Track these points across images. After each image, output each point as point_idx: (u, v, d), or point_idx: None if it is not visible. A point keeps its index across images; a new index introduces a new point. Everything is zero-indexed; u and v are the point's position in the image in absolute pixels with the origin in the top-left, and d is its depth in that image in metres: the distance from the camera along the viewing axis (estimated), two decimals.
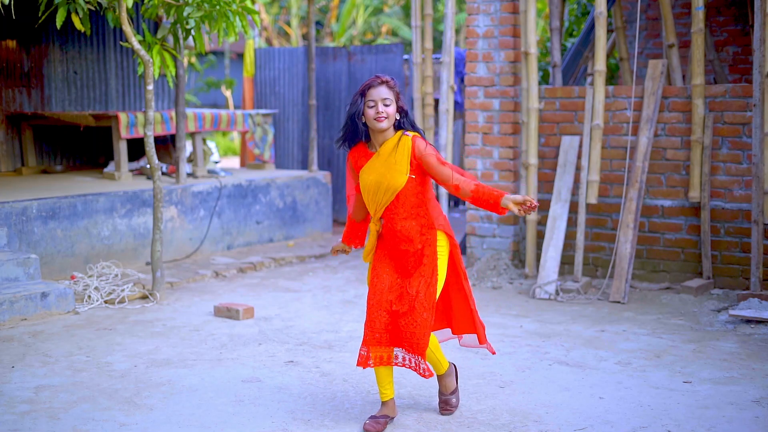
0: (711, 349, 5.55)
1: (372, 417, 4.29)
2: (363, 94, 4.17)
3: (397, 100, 4.18)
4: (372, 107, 4.14)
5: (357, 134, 4.25)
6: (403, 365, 4.25)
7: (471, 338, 4.52)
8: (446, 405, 4.48)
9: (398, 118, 4.21)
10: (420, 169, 4.21)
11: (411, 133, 4.21)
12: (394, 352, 4.24)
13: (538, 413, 4.46)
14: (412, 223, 4.24)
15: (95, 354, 5.48)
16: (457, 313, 4.47)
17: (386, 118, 4.15)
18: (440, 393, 4.51)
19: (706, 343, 5.69)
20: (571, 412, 4.47)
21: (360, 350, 4.26)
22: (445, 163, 4.20)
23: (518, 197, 4.05)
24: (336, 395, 4.74)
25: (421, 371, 4.20)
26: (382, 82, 4.16)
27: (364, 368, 4.24)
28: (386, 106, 4.14)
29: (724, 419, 4.35)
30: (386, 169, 4.18)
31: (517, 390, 4.81)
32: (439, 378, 4.49)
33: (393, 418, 4.33)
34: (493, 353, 4.57)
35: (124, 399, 4.66)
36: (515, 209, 4.03)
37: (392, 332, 4.24)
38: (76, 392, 4.76)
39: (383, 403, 4.34)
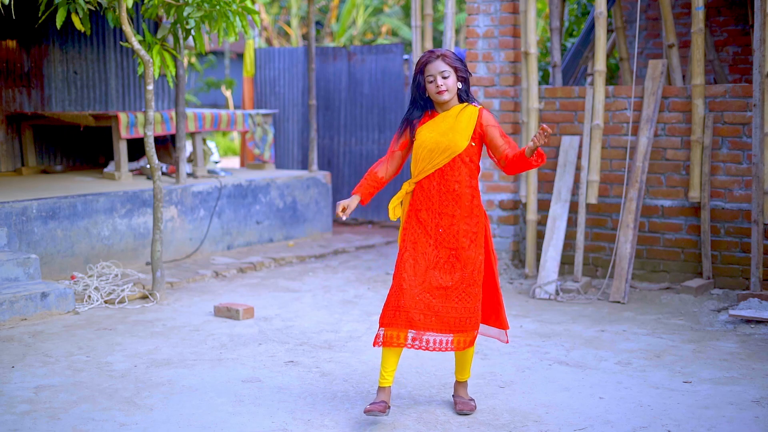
0: (711, 349, 5.55)
1: (371, 403, 4.29)
2: (421, 71, 4.27)
3: (456, 71, 4.27)
4: (431, 82, 4.24)
5: (425, 108, 4.34)
6: (431, 348, 4.25)
7: (492, 330, 4.51)
8: (466, 405, 4.46)
9: (460, 87, 4.30)
10: (480, 139, 4.30)
11: (478, 105, 4.31)
12: (423, 336, 4.24)
13: (538, 413, 4.46)
14: (463, 189, 4.28)
15: (95, 354, 5.48)
16: (485, 302, 4.46)
17: (447, 90, 4.24)
18: (459, 396, 4.51)
19: (706, 343, 5.69)
20: (571, 412, 4.47)
21: (379, 331, 4.24)
22: (505, 136, 4.31)
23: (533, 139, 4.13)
24: (336, 395, 4.74)
25: (451, 346, 4.24)
26: (438, 56, 4.26)
27: (376, 345, 4.24)
28: (445, 78, 4.23)
29: (724, 419, 4.35)
30: (449, 130, 4.25)
31: (517, 390, 4.81)
32: (462, 384, 4.51)
33: (388, 407, 4.30)
34: (506, 342, 4.53)
35: (124, 399, 4.66)
36: (534, 143, 4.10)
37: (436, 314, 4.22)
38: (76, 392, 4.76)
39: (381, 389, 4.32)
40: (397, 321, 4.23)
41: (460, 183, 4.28)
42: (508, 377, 5.03)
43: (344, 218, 4.29)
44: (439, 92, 4.24)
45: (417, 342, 4.25)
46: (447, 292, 4.26)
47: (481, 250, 4.32)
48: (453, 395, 4.58)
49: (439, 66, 4.25)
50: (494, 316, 4.50)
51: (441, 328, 4.26)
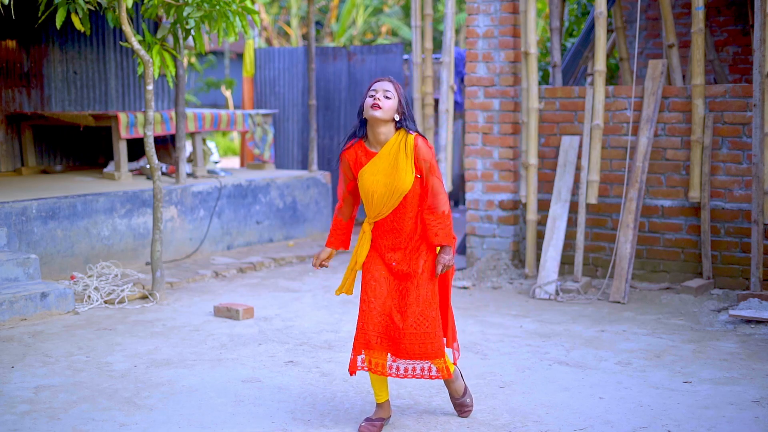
0: (711, 349, 5.55)
1: (368, 419, 4.27)
2: (369, 88, 4.16)
3: (399, 98, 4.12)
4: (371, 96, 4.10)
5: (354, 135, 4.21)
6: (409, 376, 4.22)
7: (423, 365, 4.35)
8: (463, 407, 4.44)
9: (397, 118, 4.13)
10: (418, 170, 4.15)
11: (414, 132, 4.15)
12: (396, 364, 4.22)
13: (538, 413, 4.45)
14: (412, 224, 4.20)
15: (95, 354, 5.48)
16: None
17: (381, 108, 4.06)
18: (452, 398, 4.45)
19: (706, 343, 5.69)
20: (571, 412, 4.47)
21: (353, 355, 4.19)
22: (432, 174, 4.15)
23: (442, 262, 4.17)
24: (336, 395, 4.74)
25: (435, 375, 4.20)
26: (390, 81, 4.15)
27: (352, 374, 4.20)
28: (386, 98, 4.08)
29: (724, 419, 4.35)
30: (392, 170, 4.11)
31: (517, 390, 4.81)
32: (448, 383, 4.41)
33: (388, 419, 4.32)
34: (447, 377, 4.29)
35: (124, 399, 4.66)
36: (438, 268, 4.18)
37: (393, 340, 4.19)
38: (76, 392, 4.76)
39: (379, 405, 4.32)
40: (359, 344, 4.19)
41: (413, 219, 4.19)
42: (508, 377, 5.03)
43: (318, 269, 4.24)
44: (374, 105, 4.06)
45: (394, 371, 4.23)
46: (405, 317, 4.18)
47: (434, 275, 4.23)
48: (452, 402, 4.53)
49: (386, 86, 4.11)
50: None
51: (402, 354, 4.19)
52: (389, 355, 4.23)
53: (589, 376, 5.05)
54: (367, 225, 4.25)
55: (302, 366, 5.26)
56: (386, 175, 4.11)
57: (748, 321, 6.12)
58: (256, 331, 6.06)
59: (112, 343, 5.74)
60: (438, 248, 4.24)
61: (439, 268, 4.18)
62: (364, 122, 4.18)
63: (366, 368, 4.18)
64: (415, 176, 4.13)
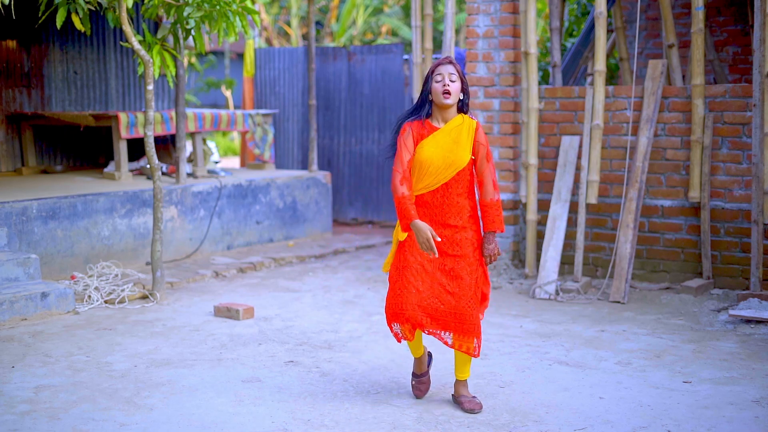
0: (711, 349, 5.55)
1: (415, 376, 4.64)
2: (432, 72, 4.37)
3: (462, 80, 4.36)
4: (439, 81, 4.33)
5: (421, 110, 4.41)
6: (454, 347, 4.41)
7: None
8: (473, 403, 4.50)
9: (461, 98, 4.39)
10: (474, 151, 4.41)
11: (475, 119, 4.43)
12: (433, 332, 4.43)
13: (538, 413, 4.46)
14: (464, 202, 4.40)
15: (95, 354, 5.48)
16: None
17: (451, 93, 4.31)
18: (462, 395, 4.55)
19: (706, 343, 5.69)
20: (571, 412, 4.47)
21: (389, 325, 4.44)
22: (488, 160, 4.43)
23: (488, 252, 4.42)
24: (336, 395, 4.74)
25: (477, 352, 4.39)
26: (450, 62, 4.38)
27: (399, 341, 4.48)
28: (452, 81, 4.32)
29: (724, 419, 4.35)
30: (454, 145, 4.34)
31: (517, 390, 4.81)
32: (459, 384, 4.56)
33: (430, 361, 4.72)
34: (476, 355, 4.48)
35: (124, 399, 4.66)
36: (486, 258, 4.45)
37: (440, 319, 4.38)
38: (76, 392, 4.76)
39: (418, 359, 4.62)
40: (405, 320, 4.39)
41: (460, 195, 4.39)
42: (508, 377, 5.03)
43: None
44: (445, 91, 4.31)
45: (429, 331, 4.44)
46: (452, 297, 4.37)
47: (479, 258, 4.45)
48: (454, 395, 4.59)
49: (449, 69, 4.35)
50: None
51: (445, 327, 4.40)
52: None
53: (589, 376, 5.05)
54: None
55: (302, 366, 5.26)
56: (446, 148, 4.33)
57: (748, 321, 6.12)
58: (256, 331, 6.07)
59: (112, 343, 5.74)
60: (483, 233, 4.47)
61: (487, 259, 4.44)
62: (428, 103, 4.40)
63: (405, 338, 4.42)
64: (471, 158, 4.37)
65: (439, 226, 4.39)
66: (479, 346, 4.41)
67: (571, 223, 7.55)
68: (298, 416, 4.43)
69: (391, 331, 4.48)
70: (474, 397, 4.54)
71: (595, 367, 5.22)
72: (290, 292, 7.34)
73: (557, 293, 7.06)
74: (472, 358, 4.67)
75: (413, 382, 4.68)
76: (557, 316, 6.44)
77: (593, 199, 7.31)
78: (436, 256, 4.32)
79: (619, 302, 6.83)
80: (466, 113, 4.44)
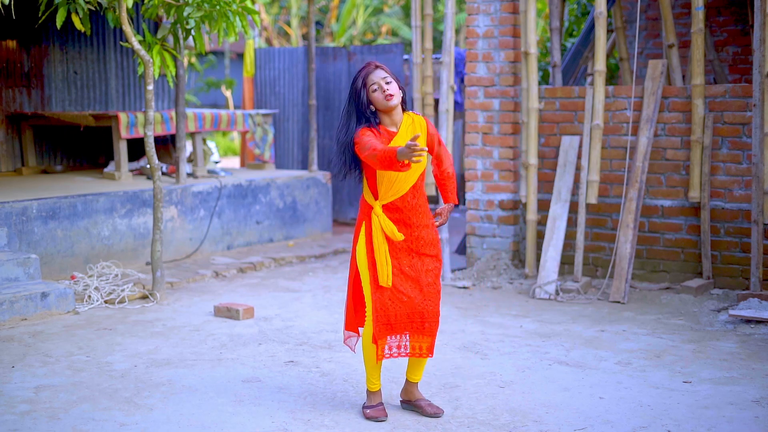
0: (711, 349, 5.55)
1: (370, 407, 4.41)
2: (364, 84, 4.24)
3: (395, 79, 4.28)
4: (376, 90, 4.22)
5: (369, 123, 4.26)
6: (402, 354, 4.35)
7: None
8: (431, 406, 4.45)
9: (402, 95, 4.31)
10: (431, 145, 4.41)
11: (417, 112, 4.36)
12: (394, 341, 4.34)
13: (538, 413, 4.46)
14: (425, 199, 4.42)
15: (95, 354, 5.48)
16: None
17: (393, 94, 4.23)
18: (417, 399, 4.49)
19: (706, 343, 5.69)
20: (571, 412, 4.47)
21: (377, 343, 4.30)
22: (441, 144, 4.48)
23: (445, 213, 4.51)
24: (336, 395, 4.74)
25: (425, 352, 4.34)
26: (376, 67, 4.27)
27: (379, 360, 4.34)
28: (388, 84, 4.23)
29: (724, 419, 4.35)
30: None
31: (517, 390, 4.81)
32: (413, 386, 4.50)
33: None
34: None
35: (124, 399, 4.66)
36: (439, 220, 4.50)
37: (415, 322, 4.33)
38: (76, 392, 4.76)
39: (372, 393, 4.45)
40: (384, 333, 4.30)
41: (424, 194, 4.42)
42: (508, 377, 5.03)
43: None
44: (388, 97, 4.21)
45: (392, 351, 4.37)
46: (422, 295, 4.32)
47: (440, 254, 4.45)
48: (409, 400, 4.50)
49: (380, 74, 4.25)
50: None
51: (426, 332, 4.33)
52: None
53: (589, 376, 5.05)
54: (378, 208, 4.30)
55: (302, 366, 5.26)
56: None
57: (748, 321, 6.12)
58: (256, 331, 6.07)
59: (112, 343, 5.74)
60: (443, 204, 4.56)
61: (442, 220, 4.49)
62: (372, 114, 4.27)
63: (390, 356, 4.33)
64: (428, 154, 4.37)
65: (412, 228, 4.33)
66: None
67: (571, 223, 7.55)
68: (298, 416, 4.43)
69: (378, 349, 4.32)
70: (426, 398, 4.53)
71: (595, 367, 5.22)
72: (290, 292, 7.34)
73: (557, 293, 7.06)
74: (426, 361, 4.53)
75: (369, 411, 4.42)
76: (557, 316, 6.44)
77: (593, 199, 7.31)
78: (425, 155, 4.06)
79: (619, 302, 6.83)
80: (407, 110, 4.36)
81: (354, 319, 4.51)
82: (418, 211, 4.34)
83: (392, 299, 4.29)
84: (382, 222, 4.28)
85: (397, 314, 4.29)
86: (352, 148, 4.27)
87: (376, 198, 4.32)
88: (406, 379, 4.51)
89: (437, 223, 4.47)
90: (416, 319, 4.31)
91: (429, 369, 5.12)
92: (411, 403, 4.50)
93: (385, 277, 4.27)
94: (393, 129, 4.31)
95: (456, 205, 4.50)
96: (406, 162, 3.99)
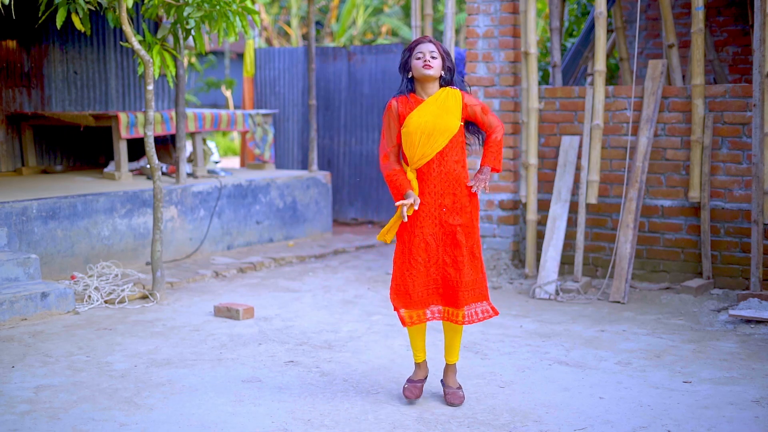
0: (711, 349, 5.55)
1: (410, 381, 4.60)
2: (411, 50, 4.44)
3: (443, 58, 4.43)
4: (419, 59, 4.40)
5: (404, 91, 4.48)
6: (468, 322, 4.45)
7: (479, 308, 4.54)
8: (455, 396, 4.57)
9: (443, 74, 4.44)
10: (465, 116, 4.47)
11: (458, 88, 4.48)
12: (434, 308, 4.47)
13: (538, 413, 4.46)
14: (460, 170, 4.46)
15: (95, 354, 5.48)
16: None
17: (432, 67, 4.37)
18: (448, 385, 4.62)
19: (706, 343, 5.69)
20: (571, 412, 4.47)
21: (396, 310, 4.44)
22: (486, 113, 4.49)
23: (480, 180, 4.46)
24: (336, 395, 4.74)
25: (491, 313, 4.47)
26: (430, 41, 4.45)
27: (405, 325, 4.47)
28: (433, 58, 4.40)
29: (724, 419, 4.35)
30: (442, 111, 4.39)
31: (517, 390, 4.81)
32: (448, 368, 4.64)
33: (426, 378, 4.65)
34: (497, 314, 4.57)
35: (124, 399, 4.67)
36: (474, 185, 4.46)
37: (448, 292, 4.43)
38: (76, 392, 4.76)
39: (417, 365, 4.63)
40: (413, 304, 4.43)
41: (457, 162, 4.46)
42: (508, 377, 5.03)
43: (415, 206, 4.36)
44: (425, 65, 4.37)
45: (432, 314, 4.49)
46: (456, 266, 4.42)
47: (478, 225, 4.55)
48: (442, 381, 4.68)
49: (429, 47, 4.42)
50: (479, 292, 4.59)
51: (448, 302, 4.45)
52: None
53: (589, 376, 5.05)
54: (410, 172, 4.45)
55: (302, 366, 5.26)
56: (435, 116, 4.39)
57: (748, 321, 6.12)
58: (256, 331, 6.07)
59: (112, 343, 5.75)
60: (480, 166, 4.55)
61: (474, 185, 4.44)
62: (410, 80, 4.47)
63: (410, 323, 4.44)
64: (460, 123, 4.43)
65: (438, 196, 4.44)
66: (487, 310, 4.47)
67: (571, 223, 7.55)
68: (298, 416, 4.43)
69: (398, 315, 4.49)
70: (459, 387, 4.62)
71: (595, 367, 5.22)
72: (290, 292, 7.34)
73: (557, 293, 7.06)
74: (461, 342, 4.70)
75: (407, 385, 4.63)
76: (557, 316, 6.44)
77: (593, 199, 7.31)
78: (405, 220, 4.36)
79: (619, 302, 6.83)
80: (452, 86, 4.50)
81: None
82: (447, 178, 4.42)
83: (409, 270, 4.43)
84: (411, 180, 4.44)
85: (414, 284, 4.41)
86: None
87: (407, 164, 4.48)
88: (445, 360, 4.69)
89: (472, 189, 4.45)
90: (439, 289, 4.44)
91: (429, 368, 5.11)
92: (443, 387, 4.65)
93: (387, 233, 4.46)
94: (423, 97, 4.46)
95: (497, 172, 4.59)
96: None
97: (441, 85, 4.48)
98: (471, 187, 4.44)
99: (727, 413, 4.43)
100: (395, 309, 4.48)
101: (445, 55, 4.44)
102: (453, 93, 4.45)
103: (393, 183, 4.44)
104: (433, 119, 4.38)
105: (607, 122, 7.43)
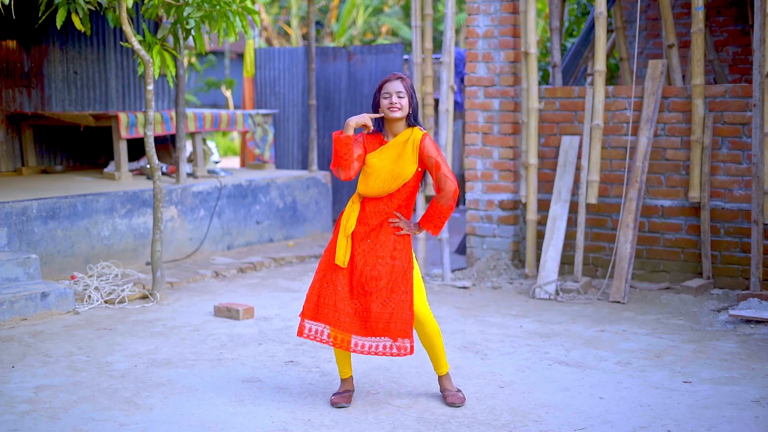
0: (711, 349, 5.55)
1: (336, 393, 4.63)
2: (380, 89, 4.49)
3: (410, 95, 4.49)
4: (386, 98, 4.45)
5: (375, 128, 4.56)
6: (371, 353, 4.45)
7: (388, 343, 4.50)
8: (455, 397, 4.60)
9: (410, 112, 4.50)
10: (422, 164, 4.50)
11: (423, 130, 4.54)
12: (356, 340, 4.46)
13: (538, 413, 4.46)
14: (403, 210, 4.56)
15: (95, 354, 5.48)
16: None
17: (399, 108, 4.44)
18: (447, 389, 4.65)
19: (706, 343, 5.69)
20: (571, 412, 4.47)
21: (306, 323, 4.50)
22: (438, 170, 4.47)
23: (404, 224, 4.52)
24: None
25: (396, 351, 4.41)
26: (398, 78, 4.49)
27: (299, 335, 4.52)
28: (400, 98, 4.45)
29: (724, 419, 4.35)
30: (398, 158, 4.48)
31: (517, 390, 4.81)
32: (445, 377, 4.66)
33: (353, 391, 4.68)
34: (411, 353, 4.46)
35: (124, 399, 4.67)
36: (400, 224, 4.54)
37: (361, 318, 4.44)
38: (76, 392, 4.76)
39: (343, 381, 4.66)
40: (328, 319, 4.46)
41: (400, 205, 4.54)
42: (508, 377, 5.03)
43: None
44: (391, 108, 4.43)
45: (358, 347, 4.46)
46: (374, 296, 4.43)
47: (410, 260, 4.51)
48: (441, 390, 4.69)
49: (397, 86, 4.46)
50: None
51: (367, 332, 4.44)
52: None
53: (589, 376, 5.05)
54: (357, 198, 4.56)
55: (302, 366, 5.26)
56: (392, 162, 4.47)
57: (748, 321, 6.12)
58: (256, 331, 6.07)
59: (112, 343, 5.75)
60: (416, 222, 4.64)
61: (397, 223, 4.51)
62: (380, 119, 4.54)
63: (332, 344, 4.48)
64: (417, 169, 4.49)
65: (369, 229, 4.50)
66: (410, 346, 4.41)
67: (571, 223, 7.55)
68: (298, 416, 4.43)
69: (299, 326, 4.52)
70: (458, 390, 4.65)
71: (595, 367, 5.22)
72: (290, 292, 7.34)
73: (557, 293, 7.06)
74: (444, 351, 4.66)
75: (333, 397, 4.61)
76: (557, 316, 6.44)
77: (593, 199, 7.31)
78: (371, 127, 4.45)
79: (619, 302, 6.83)
80: (414, 126, 4.52)
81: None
82: (387, 216, 4.51)
83: (327, 284, 4.48)
84: (353, 209, 4.52)
85: (326, 302, 4.47)
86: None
87: (359, 192, 4.58)
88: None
89: (391, 224, 4.51)
90: (353, 316, 4.45)
91: (429, 368, 5.12)
92: (442, 392, 4.68)
93: (342, 256, 4.47)
94: (387, 139, 4.55)
95: (430, 232, 4.67)
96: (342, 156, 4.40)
97: (408, 124, 4.52)
98: (392, 222, 4.52)
99: (727, 413, 4.43)
100: (300, 318, 4.54)
101: (411, 93, 4.49)
102: (413, 139, 4.48)
103: (338, 140, 4.40)
104: (390, 165, 4.46)
105: (607, 122, 7.43)
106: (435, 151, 4.47)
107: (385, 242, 4.49)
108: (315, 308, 4.50)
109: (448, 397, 4.60)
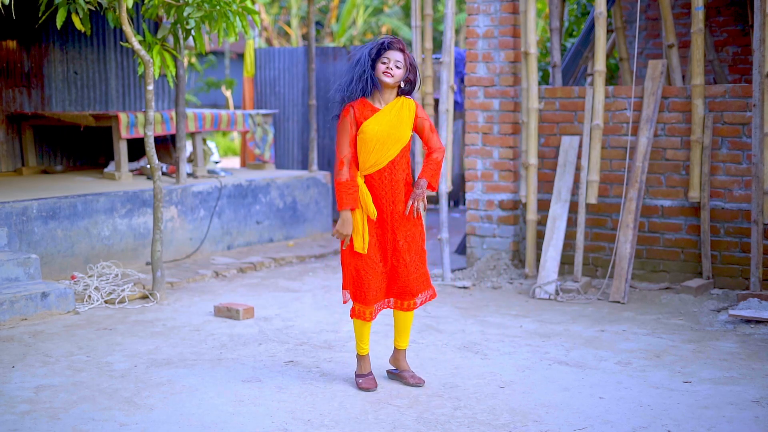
0: (711, 349, 5.55)
1: (361, 376, 4.81)
2: (379, 52, 4.53)
3: (408, 67, 4.56)
4: (384, 63, 4.53)
5: (363, 91, 4.58)
6: (411, 307, 4.73)
7: (428, 294, 4.83)
8: (413, 377, 4.82)
9: (402, 86, 4.61)
10: (414, 128, 4.68)
11: (411, 98, 4.66)
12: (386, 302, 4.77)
13: (538, 413, 4.46)
14: (404, 175, 4.65)
15: (95, 354, 5.48)
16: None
17: (392, 76, 4.52)
18: (402, 369, 4.85)
19: (706, 343, 5.69)
20: (571, 412, 4.47)
21: (356, 306, 4.70)
22: (432, 131, 4.70)
23: (417, 195, 4.63)
24: (336, 395, 4.74)
25: (430, 297, 4.76)
26: (402, 49, 4.56)
27: (363, 320, 4.71)
28: (397, 67, 4.53)
29: (724, 419, 4.36)
30: (397, 122, 4.57)
31: (517, 390, 4.81)
32: (401, 353, 4.88)
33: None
34: (435, 296, 4.83)
35: (124, 399, 4.67)
36: (411, 203, 4.66)
37: (397, 287, 4.71)
38: (76, 392, 4.77)
39: (362, 358, 4.83)
40: (367, 301, 4.66)
41: (405, 171, 4.65)
42: (508, 377, 5.03)
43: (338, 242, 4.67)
44: (386, 73, 4.51)
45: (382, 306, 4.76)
46: (407, 268, 4.66)
47: (422, 224, 4.75)
48: (396, 372, 4.87)
49: (397, 55, 4.54)
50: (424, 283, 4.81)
51: (408, 296, 4.72)
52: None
53: (589, 376, 5.05)
54: (359, 178, 4.61)
55: (302, 366, 5.26)
56: (390, 125, 4.56)
57: (748, 321, 6.12)
58: (256, 331, 6.07)
59: (112, 343, 5.75)
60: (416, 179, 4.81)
61: (411, 201, 4.63)
62: (372, 81, 4.56)
63: (367, 319, 4.68)
64: (410, 134, 4.65)
65: (390, 203, 4.62)
66: (428, 297, 4.76)
67: (571, 223, 7.55)
68: (298, 416, 4.43)
69: (353, 308, 4.72)
70: (413, 370, 4.87)
71: (595, 367, 5.22)
72: (290, 292, 7.34)
73: (557, 293, 7.06)
74: (411, 327, 4.91)
75: (360, 380, 4.81)
76: (557, 316, 6.44)
77: (593, 199, 7.31)
78: (344, 248, 4.63)
79: (619, 302, 6.83)
80: (401, 96, 4.65)
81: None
82: (396, 186, 4.61)
83: (365, 267, 4.61)
84: (363, 194, 4.58)
85: (369, 283, 4.60)
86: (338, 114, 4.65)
87: (358, 168, 4.62)
88: (394, 347, 4.89)
89: (408, 206, 4.62)
90: (393, 287, 4.68)
91: (429, 369, 5.12)
92: (397, 373, 4.86)
93: (361, 244, 4.58)
94: (378, 106, 4.61)
95: (433, 190, 4.83)
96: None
97: (398, 94, 4.62)
98: (404, 210, 4.64)
99: (727, 413, 4.44)
100: (353, 302, 4.71)
101: (410, 68, 4.55)
102: (407, 103, 4.62)
103: (339, 193, 4.57)
104: (388, 129, 4.54)
105: (607, 122, 7.43)
106: (425, 114, 4.67)
107: (400, 212, 4.63)
108: (363, 297, 4.65)
109: (411, 377, 4.79)
